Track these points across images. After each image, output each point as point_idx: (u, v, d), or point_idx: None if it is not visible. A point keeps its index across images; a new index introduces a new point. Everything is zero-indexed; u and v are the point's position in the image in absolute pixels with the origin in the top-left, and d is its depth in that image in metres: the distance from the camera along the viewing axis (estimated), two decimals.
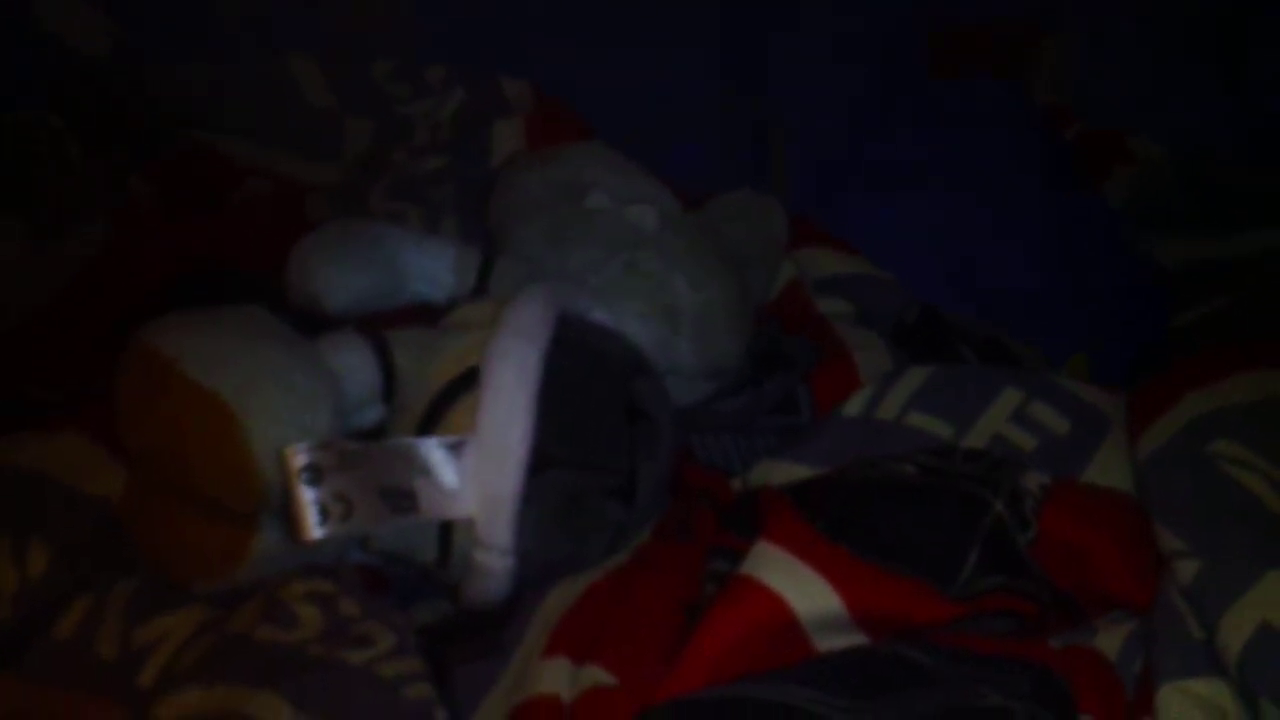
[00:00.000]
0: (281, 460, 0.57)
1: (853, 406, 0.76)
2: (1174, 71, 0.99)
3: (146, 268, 0.82)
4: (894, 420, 0.74)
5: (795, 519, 0.65)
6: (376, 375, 0.64)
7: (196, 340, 0.58)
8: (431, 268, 0.73)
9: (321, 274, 0.69)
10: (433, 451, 0.62)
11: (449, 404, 0.64)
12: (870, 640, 0.62)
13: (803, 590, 0.62)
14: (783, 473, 0.73)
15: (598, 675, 0.59)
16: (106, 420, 0.61)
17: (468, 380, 0.64)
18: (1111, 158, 0.96)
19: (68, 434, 0.68)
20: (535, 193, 0.78)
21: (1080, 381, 0.77)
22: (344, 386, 0.62)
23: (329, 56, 1.01)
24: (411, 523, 0.61)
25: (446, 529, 0.63)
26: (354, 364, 0.63)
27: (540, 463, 0.63)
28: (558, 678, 0.59)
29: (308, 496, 0.57)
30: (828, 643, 0.61)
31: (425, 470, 0.62)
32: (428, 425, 0.64)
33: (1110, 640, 0.62)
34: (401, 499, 0.60)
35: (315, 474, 0.57)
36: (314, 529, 0.57)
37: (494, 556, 0.63)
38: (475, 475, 0.62)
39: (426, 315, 0.72)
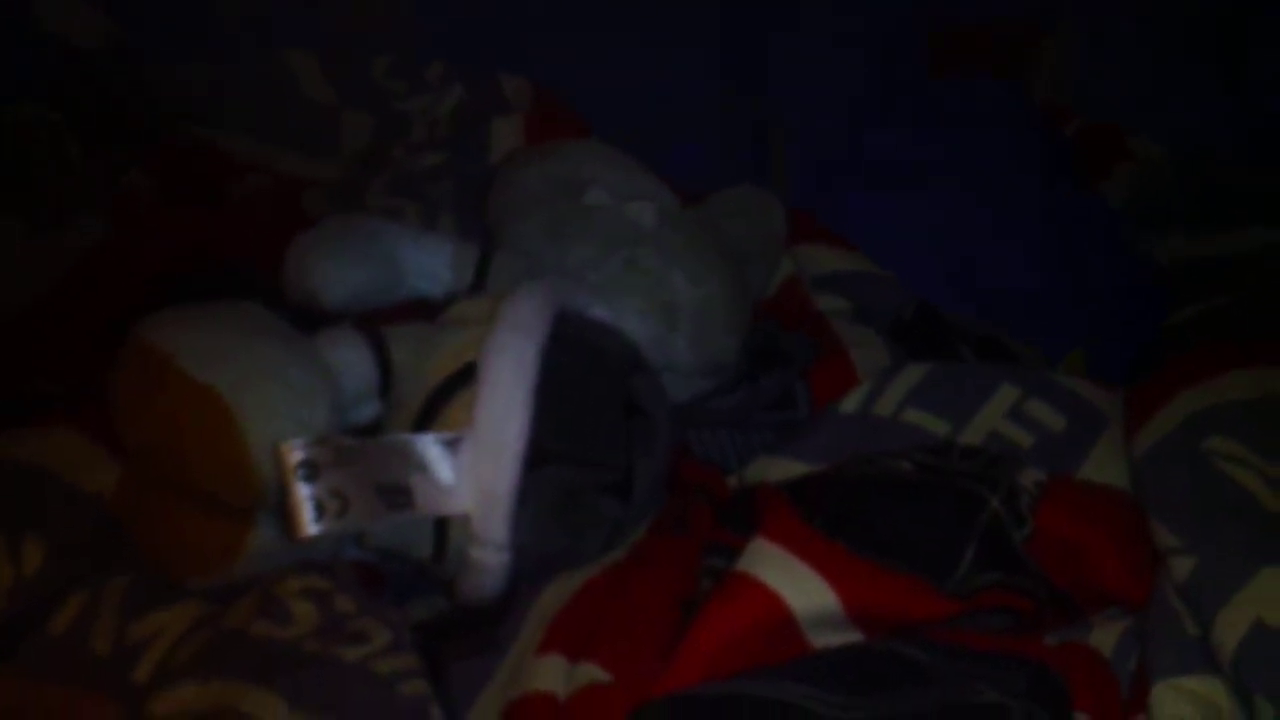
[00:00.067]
0: (277, 456, 0.57)
1: (850, 403, 0.76)
2: (1174, 71, 0.99)
3: (143, 263, 0.82)
4: (891, 417, 0.74)
5: (792, 516, 0.65)
6: (373, 371, 0.64)
7: (193, 336, 0.58)
8: (429, 263, 0.73)
9: (319, 269, 0.69)
10: (429, 447, 0.62)
11: (446, 400, 0.64)
12: (866, 637, 0.62)
13: (799, 587, 0.62)
14: (779, 469, 0.73)
15: (593, 672, 0.59)
16: (104, 416, 0.61)
17: (465, 376, 0.64)
18: (1112, 156, 0.96)
19: (66, 429, 0.68)
20: (534, 189, 0.78)
21: (1077, 378, 0.77)
22: (341, 382, 0.62)
23: (328, 53, 1.01)
24: (407, 519, 0.61)
25: (442, 525, 0.63)
26: (351, 359, 0.63)
27: (537, 458, 0.63)
28: (553, 674, 0.59)
29: (303, 492, 0.57)
30: (824, 639, 0.61)
31: (421, 466, 0.62)
32: (424, 421, 0.64)
33: (1105, 637, 0.63)
34: (397, 495, 0.60)
35: (311, 470, 0.57)
36: (310, 525, 0.57)
37: (490, 552, 0.63)
38: (471, 471, 0.62)
39: (424, 311, 0.71)
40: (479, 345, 0.64)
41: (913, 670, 0.59)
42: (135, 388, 0.59)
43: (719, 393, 0.78)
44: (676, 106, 1.02)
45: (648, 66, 1.03)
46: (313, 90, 1.00)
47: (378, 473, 0.60)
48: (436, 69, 1.02)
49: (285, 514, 0.57)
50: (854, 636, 0.62)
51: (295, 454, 0.57)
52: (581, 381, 0.66)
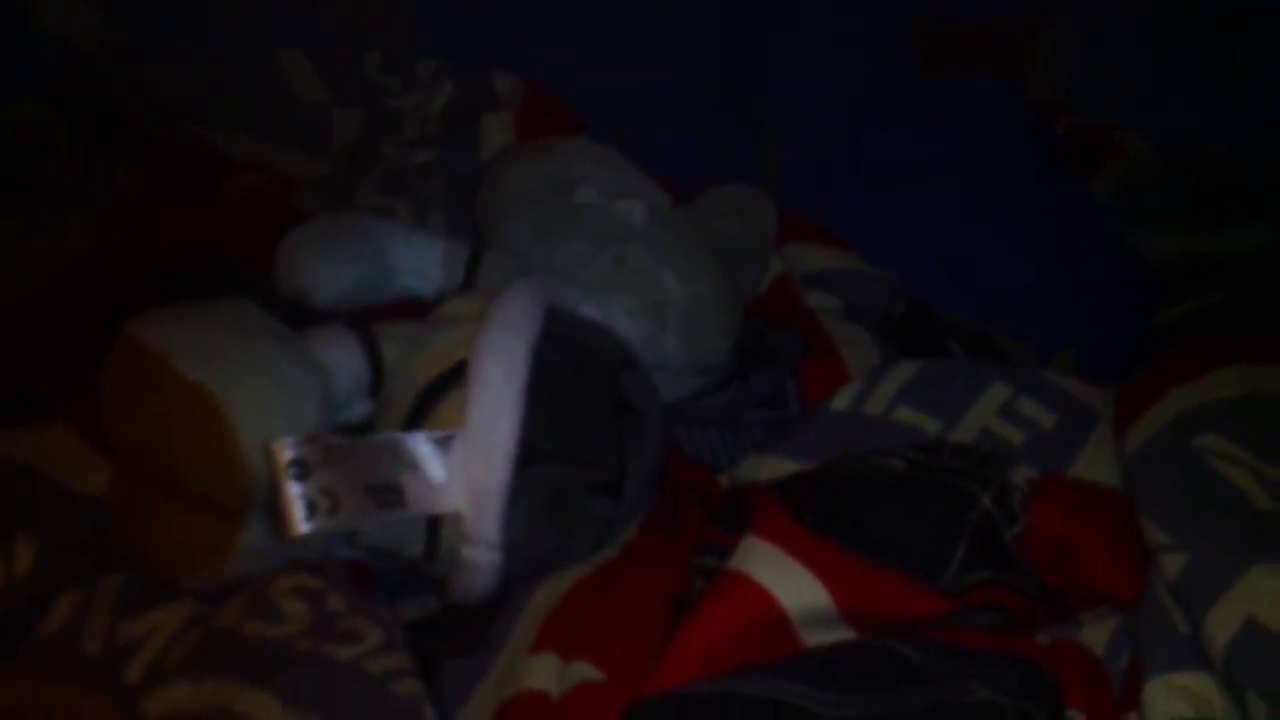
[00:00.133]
0: (268, 455, 0.57)
1: (841, 401, 0.76)
2: (1172, 71, 0.99)
3: (134, 260, 0.82)
4: (882, 415, 0.74)
5: (783, 514, 0.65)
6: (364, 369, 0.64)
7: (184, 334, 0.58)
8: (420, 262, 0.73)
9: (310, 268, 0.69)
10: (420, 446, 0.62)
11: (437, 398, 0.64)
12: (858, 635, 0.62)
13: (791, 585, 0.62)
14: (771, 467, 0.73)
15: (585, 671, 0.59)
16: (96, 415, 0.61)
17: (456, 375, 0.64)
18: (1103, 152, 0.95)
19: (58, 429, 0.68)
20: (524, 187, 0.78)
21: (1068, 376, 0.76)
22: (332, 380, 0.62)
23: (320, 52, 1.01)
24: (398, 518, 0.61)
25: (434, 524, 0.63)
26: (342, 358, 0.63)
27: (528, 457, 0.62)
28: (546, 673, 0.59)
29: (294, 491, 0.57)
30: (816, 637, 0.61)
31: (412, 465, 0.62)
32: (415, 419, 0.64)
33: (1097, 634, 0.62)
34: (388, 494, 0.60)
35: (302, 469, 0.57)
36: (301, 524, 0.57)
37: (481, 551, 0.63)
38: (462, 470, 0.62)
39: (415, 309, 0.72)
40: (470, 344, 0.64)
41: (905, 668, 0.59)
42: (126, 386, 0.59)
43: (710, 391, 0.78)
44: (675, 106, 1.02)
45: (647, 66, 1.03)
46: (306, 89, 1.00)
47: (369, 471, 0.60)
48: (428, 65, 1.02)
49: (276, 513, 0.57)
50: (846, 634, 0.62)
51: (286, 453, 0.57)
52: (572, 380, 0.66)
